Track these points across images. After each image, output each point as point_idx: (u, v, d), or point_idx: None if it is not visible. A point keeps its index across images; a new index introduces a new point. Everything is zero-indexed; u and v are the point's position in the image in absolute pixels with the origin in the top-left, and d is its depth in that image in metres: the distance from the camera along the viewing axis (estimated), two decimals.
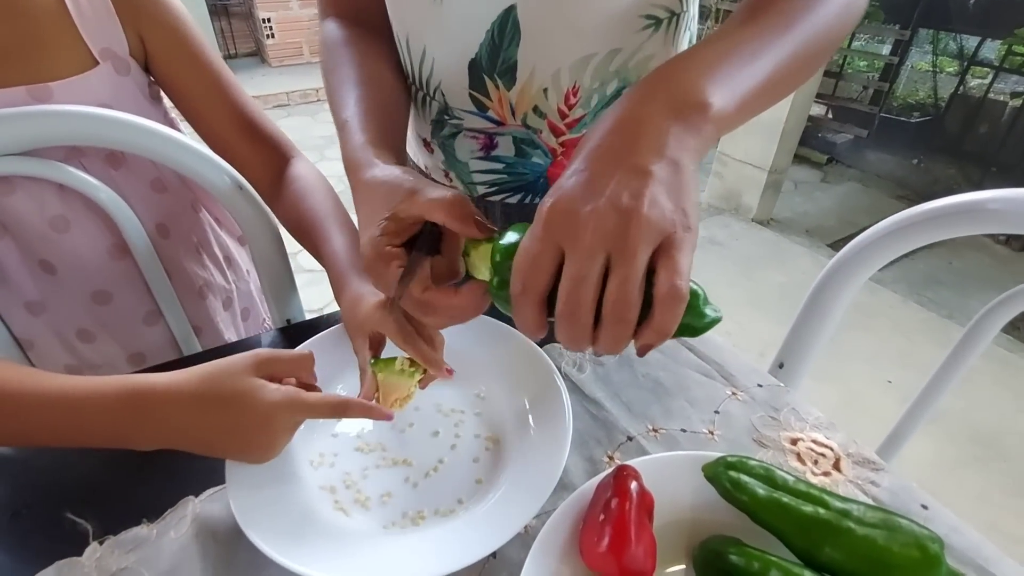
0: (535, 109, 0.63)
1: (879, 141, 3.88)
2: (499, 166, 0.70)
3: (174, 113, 0.67)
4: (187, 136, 0.60)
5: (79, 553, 0.45)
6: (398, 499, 0.49)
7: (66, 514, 0.47)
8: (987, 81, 3.60)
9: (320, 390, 0.48)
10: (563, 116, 0.64)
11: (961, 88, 3.72)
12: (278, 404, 0.43)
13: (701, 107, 0.35)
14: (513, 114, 0.64)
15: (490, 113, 0.65)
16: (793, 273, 2.76)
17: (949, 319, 2.47)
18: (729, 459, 0.45)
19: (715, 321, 0.35)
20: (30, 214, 0.57)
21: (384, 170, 0.43)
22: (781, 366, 0.69)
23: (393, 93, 0.58)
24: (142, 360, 0.69)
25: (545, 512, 0.48)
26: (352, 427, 0.56)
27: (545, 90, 0.62)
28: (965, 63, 3.70)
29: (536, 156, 0.68)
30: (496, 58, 0.59)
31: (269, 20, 5.30)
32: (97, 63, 0.56)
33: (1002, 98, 3.59)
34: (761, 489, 0.42)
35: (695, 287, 0.34)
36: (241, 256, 0.78)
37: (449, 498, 0.50)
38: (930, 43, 3.92)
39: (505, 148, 0.68)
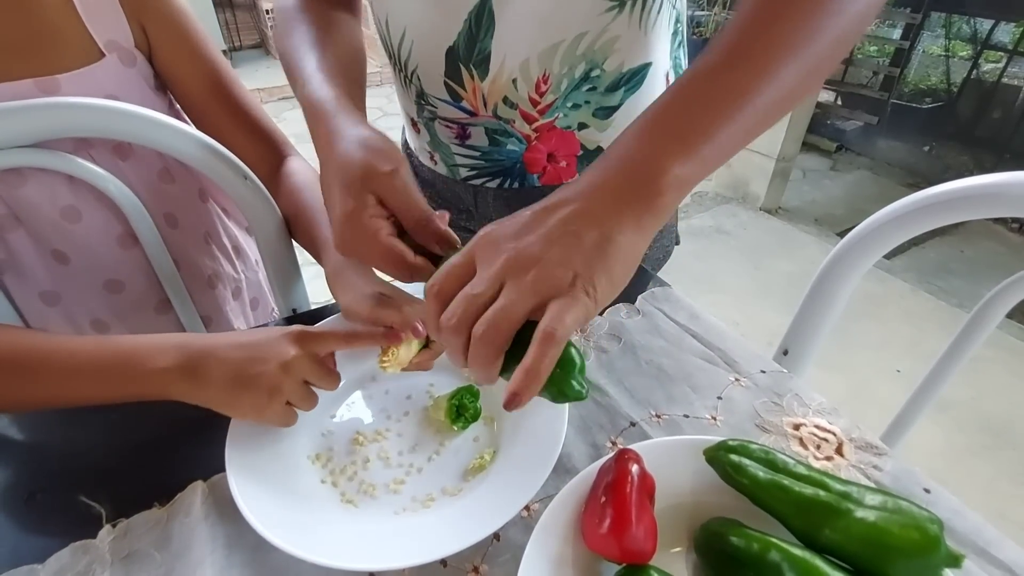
0: (505, 100, 0.64)
1: (889, 128, 3.83)
2: (476, 153, 0.71)
3: (181, 108, 0.67)
4: (193, 127, 0.61)
5: (93, 535, 0.46)
6: (406, 485, 0.50)
7: (80, 497, 0.48)
8: (1001, 65, 3.54)
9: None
10: (535, 104, 0.64)
11: (974, 73, 3.66)
12: (287, 332, 0.47)
13: (656, 182, 0.34)
14: (485, 105, 0.65)
15: (464, 103, 0.66)
16: (801, 262, 2.74)
17: (960, 308, 2.45)
18: (730, 443, 0.45)
19: (580, 396, 0.36)
20: (42, 205, 0.58)
21: (366, 134, 0.45)
22: (786, 353, 0.69)
23: (355, 55, 0.59)
24: None
25: (548, 495, 0.48)
26: (348, 420, 0.56)
27: (514, 81, 0.62)
28: (978, 47, 3.64)
29: (511, 144, 0.69)
30: (473, 48, 0.60)
31: (272, 12, 5.29)
32: (103, 55, 0.57)
33: (1016, 83, 3.53)
34: (761, 472, 0.42)
35: (576, 357, 0.36)
36: (249, 246, 0.79)
37: (455, 478, 0.50)
38: (942, 27, 3.85)
39: (478, 138, 0.69)
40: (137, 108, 0.56)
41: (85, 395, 0.48)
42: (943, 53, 3.88)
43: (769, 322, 2.22)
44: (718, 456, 0.44)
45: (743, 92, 0.36)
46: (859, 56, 4.06)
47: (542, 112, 0.65)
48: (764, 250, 2.84)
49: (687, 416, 0.56)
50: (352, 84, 0.53)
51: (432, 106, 0.67)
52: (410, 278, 0.44)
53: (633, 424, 0.55)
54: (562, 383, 0.35)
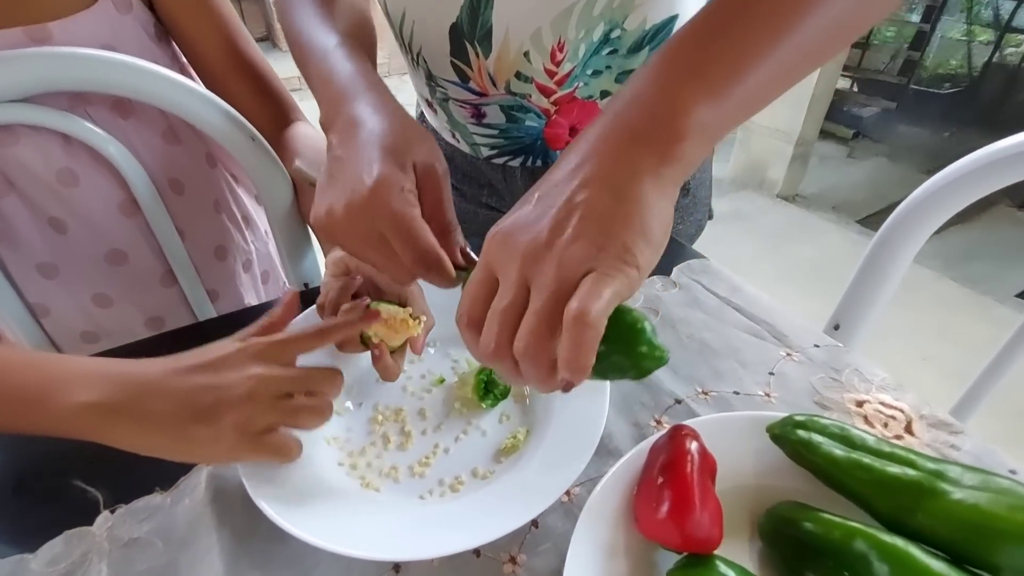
0: (518, 75, 0.59)
1: (908, 114, 3.74)
2: (493, 131, 0.67)
3: (186, 59, 0.62)
4: (196, 82, 0.57)
5: (89, 523, 0.42)
6: (432, 468, 0.46)
7: (75, 482, 0.44)
8: (1023, 49, 3.44)
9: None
10: (551, 75, 0.60)
11: (996, 56, 3.56)
12: (244, 348, 0.39)
13: (674, 124, 0.30)
14: (494, 83, 0.60)
15: (471, 84, 0.61)
16: (822, 248, 2.68)
17: (986, 295, 2.38)
18: (797, 418, 0.40)
19: (660, 362, 0.31)
20: (35, 167, 0.53)
21: (411, 119, 0.40)
22: (837, 327, 0.64)
23: (365, 27, 0.53)
24: (161, 324, 0.66)
25: (589, 479, 0.44)
26: (365, 398, 0.52)
27: (526, 53, 0.57)
28: (1000, 30, 3.54)
29: (529, 120, 0.65)
30: (476, 22, 0.55)
31: None
32: (95, 0, 0.52)
33: None
34: (837, 449, 0.37)
35: (642, 323, 0.31)
36: (260, 216, 0.74)
37: (485, 459, 0.46)
38: (961, 11, 3.75)
39: (494, 116, 0.65)
40: (135, 59, 0.51)
41: None
42: (963, 37, 3.78)
43: (791, 308, 2.16)
44: (785, 433, 0.40)
45: (779, 25, 0.31)
46: (876, 41, 3.97)
47: (560, 83, 0.60)
48: (784, 236, 2.78)
49: (737, 393, 0.51)
50: (370, 59, 0.48)
51: (443, 88, 0.64)
52: (423, 268, 0.37)
53: (679, 401, 0.51)
54: (635, 356, 0.31)
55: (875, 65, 4.01)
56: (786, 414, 0.41)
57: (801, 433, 0.39)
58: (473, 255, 0.40)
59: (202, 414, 0.36)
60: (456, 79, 0.61)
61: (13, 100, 0.50)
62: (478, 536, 0.37)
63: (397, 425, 0.49)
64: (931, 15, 3.56)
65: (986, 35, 3.68)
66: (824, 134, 3.62)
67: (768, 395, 0.51)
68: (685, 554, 0.35)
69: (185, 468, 0.45)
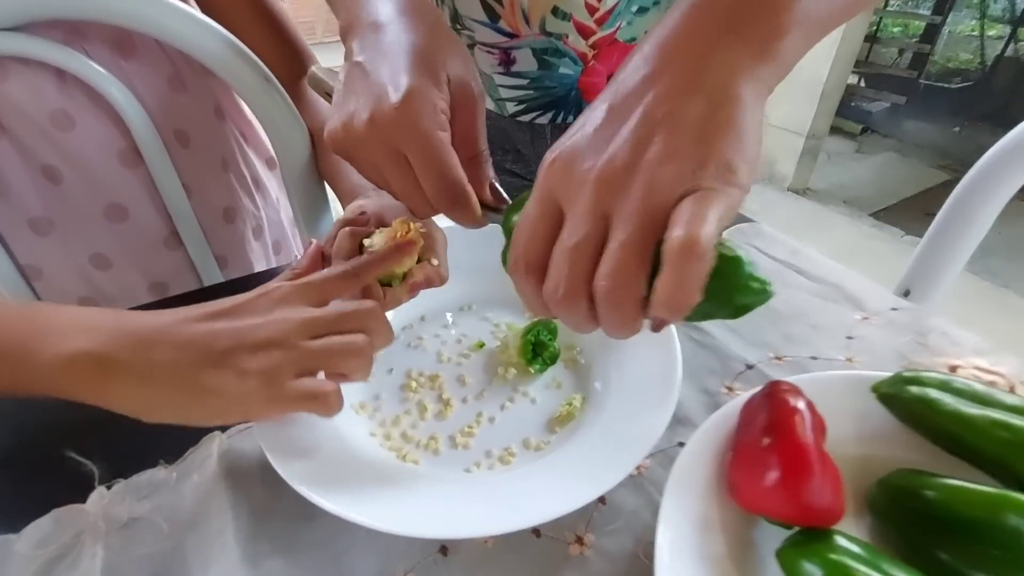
0: (555, 11, 0.54)
1: (918, 108, 3.69)
2: (523, 82, 0.62)
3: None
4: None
5: (83, 499, 0.36)
6: (476, 438, 0.40)
7: (68, 454, 0.38)
8: None
9: None
10: (592, 11, 0.54)
11: (1008, 50, 3.52)
12: (270, 291, 0.33)
13: (776, 16, 0.25)
14: (527, 22, 0.55)
15: (502, 24, 0.56)
16: (836, 241, 2.63)
17: (1006, 288, 2.33)
18: (906, 374, 0.35)
19: (763, 296, 0.26)
20: (27, 107, 0.48)
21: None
22: (907, 294, 0.58)
23: None
24: (164, 289, 0.60)
25: (659, 450, 0.38)
26: (395, 362, 0.46)
27: None
28: (1013, 24, 3.49)
29: (563, 66, 0.59)
30: None
31: None
32: None
33: None
34: (968, 407, 0.32)
35: (736, 252, 0.25)
36: (270, 182, 0.68)
37: (538, 429, 0.40)
38: (968, 6, 3.71)
39: (525, 62, 0.59)
40: None
41: None
42: (973, 32, 3.74)
43: None
44: (897, 391, 0.34)
45: None
46: (884, 35, 3.93)
47: (601, 21, 0.55)
48: (797, 230, 2.73)
49: (815, 358, 0.46)
50: None
51: (469, 30, 0.58)
52: (447, 202, 0.32)
53: (750, 367, 0.45)
54: (735, 292, 0.26)
55: (883, 60, 3.96)
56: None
57: (915, 390, 0.34)
58: (503, 193, 0.35)
59: (217, 359, 0.30)
60: (485, 18, 0.56)
61: (3, 29, 0.44)
62: (538, 513, 0.32)
63: (434, 392, 0.43)
64: (942, 8, 3.51)
65: (997, 29, 3.63)
66: (832, 129, 3.58)
67: (850, 359, 0.45)
68: (796, 529, 0.29)
69: (194, 438, 0.39)
